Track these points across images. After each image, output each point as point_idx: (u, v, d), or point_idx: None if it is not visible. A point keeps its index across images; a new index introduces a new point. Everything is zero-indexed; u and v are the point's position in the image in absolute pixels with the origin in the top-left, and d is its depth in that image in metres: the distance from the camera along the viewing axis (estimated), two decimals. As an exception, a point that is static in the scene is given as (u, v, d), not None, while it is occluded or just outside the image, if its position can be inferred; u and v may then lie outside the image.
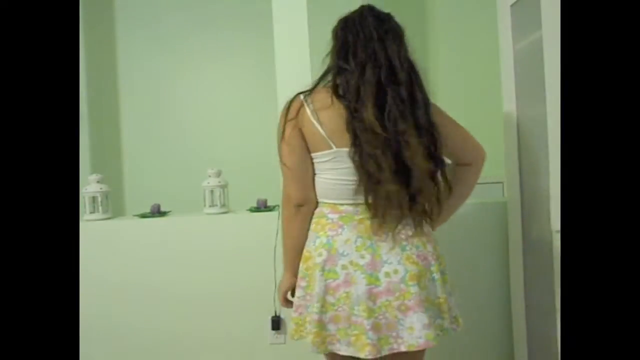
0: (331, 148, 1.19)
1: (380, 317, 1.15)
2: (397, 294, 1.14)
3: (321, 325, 1.17)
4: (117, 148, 2.81)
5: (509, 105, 1.77)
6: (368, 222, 1.18)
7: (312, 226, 1.26)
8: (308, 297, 1.22)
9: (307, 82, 1.85)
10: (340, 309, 1.16)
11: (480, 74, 2.53)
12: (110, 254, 2.02)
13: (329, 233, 1.20)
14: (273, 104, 1.97)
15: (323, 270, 1.17)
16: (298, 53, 1.88)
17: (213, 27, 2.76)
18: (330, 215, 1.22)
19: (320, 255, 1.18)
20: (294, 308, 1.26)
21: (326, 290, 1.17)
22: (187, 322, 2.01)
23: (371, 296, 1.14)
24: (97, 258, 2.00)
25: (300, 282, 1.25)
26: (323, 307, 1.17)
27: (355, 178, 1.17)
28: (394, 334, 1.15)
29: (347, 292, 1.15)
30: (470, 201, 2.06)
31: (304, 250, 1.25)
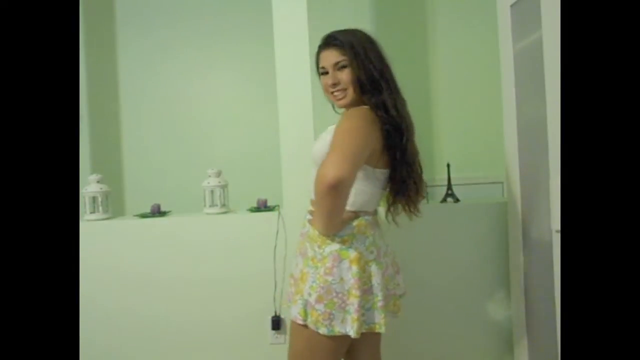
0: (388, 168, 1.36)
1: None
2: (393, 264, 1.49)
3: (384, 309, 1.35)
4: (117, 148, 2.81)
5: (509, 105, 1.77)
6: (376, 219, 1.45)
7: (355, 230, 1.34)
8: (367, 293, 1.33)
9: (306, 84, 1.88)
10: (390, 290, 1.42)
11: (480, 74, 2.54)
12: (110, 254, 2.02)
13: (371, 232, 1.38)
14: (273, 104, 1.98)
15: (378, 263, 1.36)
16: (298, 54, 1.89)
17: (213, 27, 2.76)
18: (366, 217, 1.38)
19: (372, 252, 1.36)
20: (355, 308, 1.28)
21: (381, 278, 1.36)
22: (187, 322, 2.01)
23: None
24: (97, 258, 2.01)
25: (362, 286, 1.31)
26: (383, 294, 1.36)
27: (382, 189, 1.40)
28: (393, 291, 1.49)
29: (389, 275, 1.42)
30: (470, 201, 2.08)
31: (352, 253, 1.32)
